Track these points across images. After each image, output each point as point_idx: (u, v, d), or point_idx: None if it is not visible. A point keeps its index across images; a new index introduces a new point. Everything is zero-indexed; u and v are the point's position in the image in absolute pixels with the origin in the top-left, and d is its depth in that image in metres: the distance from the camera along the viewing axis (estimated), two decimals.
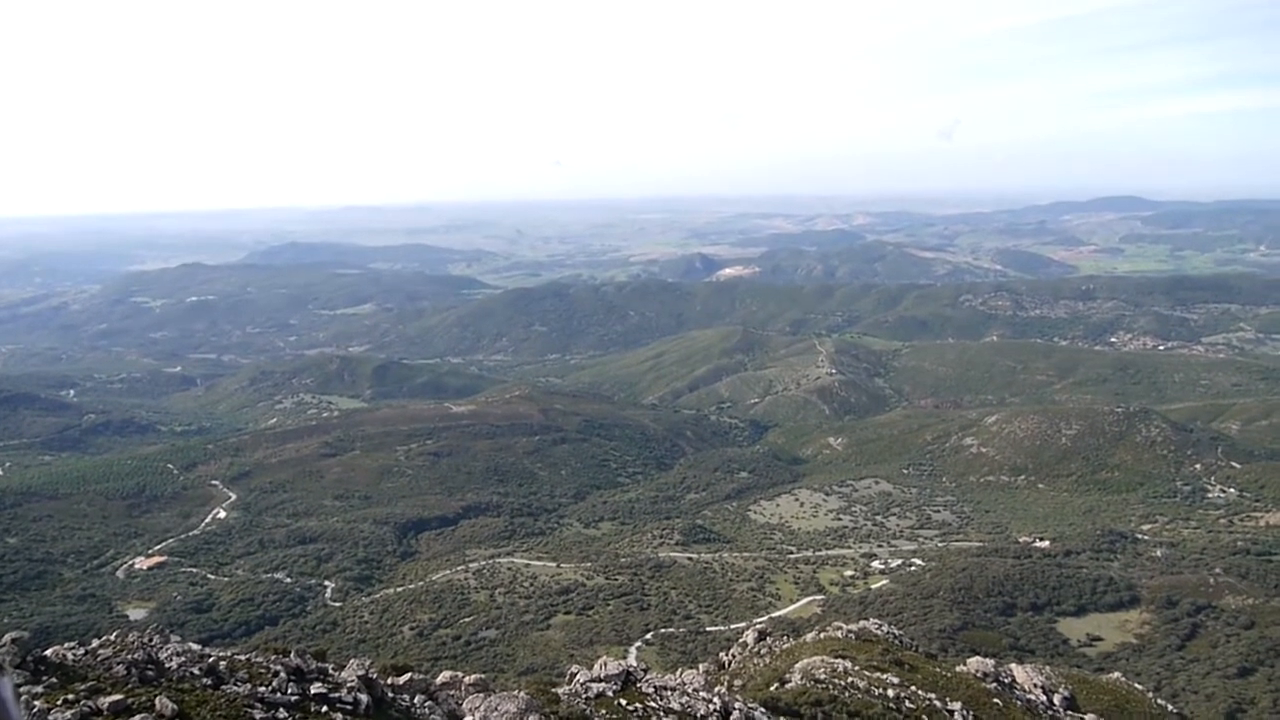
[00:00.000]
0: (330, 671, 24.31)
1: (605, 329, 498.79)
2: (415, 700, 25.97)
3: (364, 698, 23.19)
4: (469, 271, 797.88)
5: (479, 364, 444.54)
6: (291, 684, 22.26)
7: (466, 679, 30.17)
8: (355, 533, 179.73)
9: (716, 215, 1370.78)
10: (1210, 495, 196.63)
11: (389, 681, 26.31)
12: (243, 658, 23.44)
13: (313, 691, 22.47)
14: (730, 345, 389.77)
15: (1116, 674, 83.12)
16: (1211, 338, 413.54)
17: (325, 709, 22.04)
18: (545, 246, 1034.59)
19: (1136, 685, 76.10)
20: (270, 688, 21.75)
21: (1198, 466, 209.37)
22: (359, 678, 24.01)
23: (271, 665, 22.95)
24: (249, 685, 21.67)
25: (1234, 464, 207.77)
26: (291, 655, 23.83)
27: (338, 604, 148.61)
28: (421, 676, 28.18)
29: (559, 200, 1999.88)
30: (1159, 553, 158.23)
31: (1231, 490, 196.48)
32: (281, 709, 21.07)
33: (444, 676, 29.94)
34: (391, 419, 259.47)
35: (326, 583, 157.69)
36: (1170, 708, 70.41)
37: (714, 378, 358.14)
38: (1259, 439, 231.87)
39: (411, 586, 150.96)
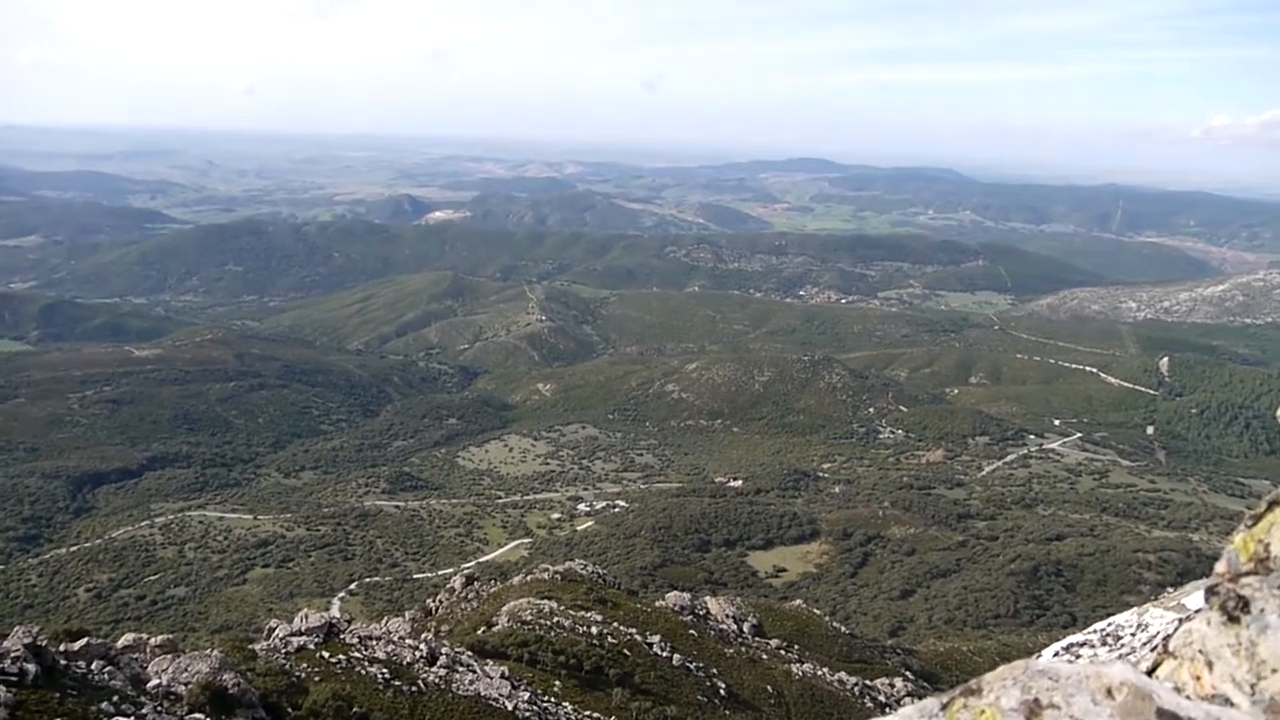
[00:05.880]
0: None
1: (307, 271, 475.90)
2: (93, 666, 23.90)
3: (31, 667, 21.03)
4: (153, 204, 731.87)
5: (166, 305, 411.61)
6: None
7: (152, 640, 28.12)
8: (19, 489, 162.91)
9: (426, 156, 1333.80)
10: (881, 436, 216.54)
11: (62, 648, 24.01)
12: None
13: None
14: (440, 290, 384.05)
15: (798, 601, 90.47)
16: (886, 293, 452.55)
17: None
18: (240, 181, 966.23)
19: (815, 610, 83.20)
20: None
21: (871, 410, 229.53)
22: (25, 646, 21.72)
23: None
24: None
25: (902, 407, 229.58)
26: None
27: None
28: (100, 641, 25.95)
29: (255, 131, 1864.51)
30: (837, 489, 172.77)
31: (899, 431, 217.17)
32: None
33: (126, 639, 27.74)
34: (62, 363, 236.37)
35: None
36: (844, 629, 77.41)
37: (423, 323, 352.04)
38: (923, 385, 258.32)
39: (88, 545, 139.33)
